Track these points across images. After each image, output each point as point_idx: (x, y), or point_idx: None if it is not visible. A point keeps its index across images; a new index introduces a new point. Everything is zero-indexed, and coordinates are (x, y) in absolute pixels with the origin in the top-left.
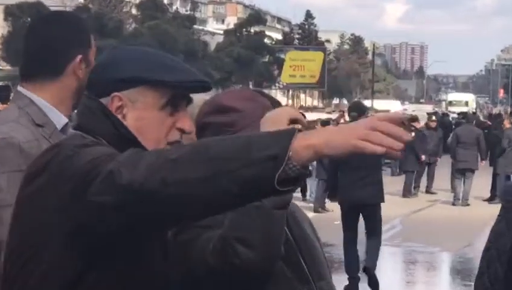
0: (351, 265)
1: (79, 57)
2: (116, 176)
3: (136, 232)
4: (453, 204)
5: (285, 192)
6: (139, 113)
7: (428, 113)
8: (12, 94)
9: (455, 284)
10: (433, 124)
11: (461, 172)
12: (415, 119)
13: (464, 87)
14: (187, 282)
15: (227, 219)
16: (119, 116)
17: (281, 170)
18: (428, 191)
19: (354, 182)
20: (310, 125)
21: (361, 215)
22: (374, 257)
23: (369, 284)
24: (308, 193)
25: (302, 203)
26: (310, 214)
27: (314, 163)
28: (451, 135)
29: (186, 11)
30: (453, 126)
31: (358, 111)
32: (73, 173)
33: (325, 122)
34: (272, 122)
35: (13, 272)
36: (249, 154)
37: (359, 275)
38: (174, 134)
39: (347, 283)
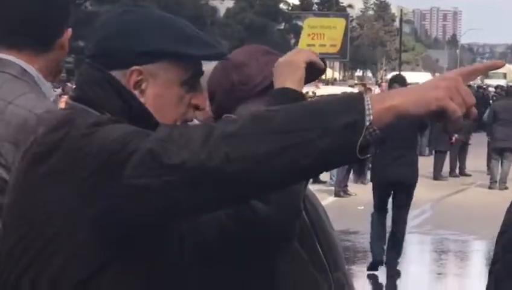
0: (376, 247)
1: (69, 30)
2: (162, 155)
3: (176, 217)
4: (490, 187)
5: (364, 159)
6: (160, 89)
7: None
8: None
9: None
10: None
11: (499, 152)
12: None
13: (502, 58)
14: (199, 247)
15: None
16: (137, 92)
17: (362, 137)
18: (462, 173)
19: (390, 162)
20: (323, 69)
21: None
22: (398, 246)
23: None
24: (328, 176)
25: (320, 186)
26: (330, 199)
27: None
28: (487, 110)
29: None
30: (491, 101)
31: (400, 84)
32: (96, 154)
33: None
34: (287, 66)
35: (22, 263)
36: (322, 122)
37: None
38: (191, 112)
39: (371, 273)
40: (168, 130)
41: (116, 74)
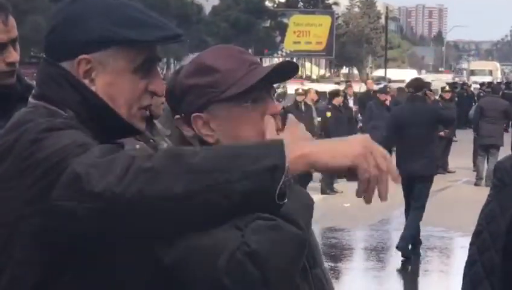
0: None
1: None
2: (85, 181)
3: (108, 243)
4: (476, 184)
5: (280, 206)
6: (110, 77)
7: (448, 84)
8: None
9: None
10: (448, 95)
11: (485, 149)
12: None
13: (488, 55)
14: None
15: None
16: (87, 81)
17: (282, 182)
18: (445, 169)
19: (410, 155)
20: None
21: None
22: (412, 231)
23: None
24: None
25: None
26: (317, 196)
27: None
28: (473, 107)
29: None
30: (475, 98)
31: (416, 88)
32: (38, 164)
33: (333, 94)
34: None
35: None
36: (242, 165)
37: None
38: (147, 98)
39: (357, 271)
40: (100, 150)
41: (65, 64)
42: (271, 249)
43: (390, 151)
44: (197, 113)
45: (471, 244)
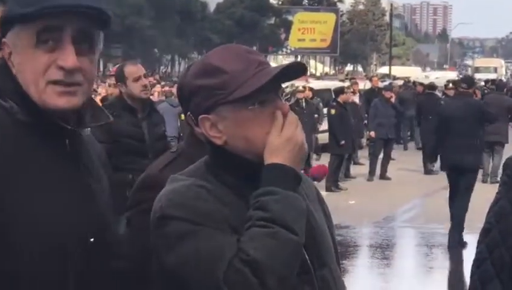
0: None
1: None
2: None
3: None
4: (483, 181)
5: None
6: (19, 56)
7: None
8: None
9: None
10: (450, 92)
11: (490, 146)
12: None
13: (492, 52)
14: None
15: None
16: (11, 65)
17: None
18: None
19: (458, 148)
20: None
21: None
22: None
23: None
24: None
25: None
26: (322, 194)
27: (327, 136)
28: None
29: None
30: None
31: (469, 85)
32: None
33: (338, 91)
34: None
35: None
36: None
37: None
38: (53, 72)
39: (362, 268)
40: None
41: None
42: (269, 257)
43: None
44: (205, 115)
45: (479, 242)
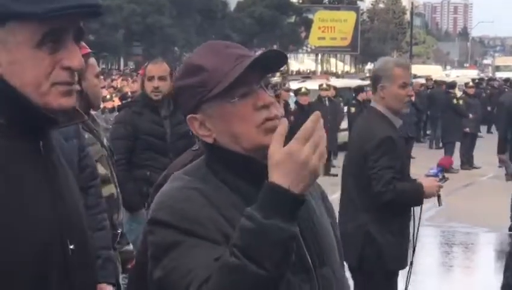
0: None
1: None
2: None
3: None
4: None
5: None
6: (12, 55)
7: (472, 80)
8: None
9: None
10: (472, 91)
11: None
12: None
13: None
14: None
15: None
16: None
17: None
18: (470, 165)
19: None
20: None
21: None
22: None
23: None
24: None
25: (330, 179)
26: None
27: (346, 135)
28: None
29: None
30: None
31: None
32: None
33: (358, 90)
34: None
35: None
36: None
37: None
38: (59, 74)
39: None
40: None
41: None
42: None
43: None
44: (192, 115)
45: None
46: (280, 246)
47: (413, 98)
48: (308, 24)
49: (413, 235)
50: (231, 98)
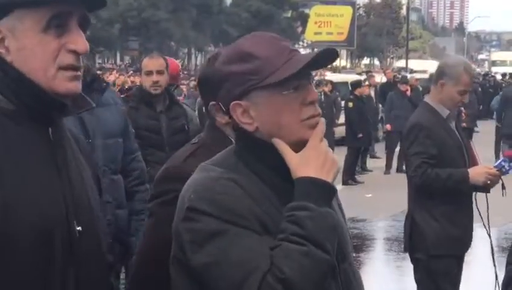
0: None
1: None
2: None
3: None
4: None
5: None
6: (20, 42)
7: None
8: None
9: (499, 263)
10: None
11: (509, 138)
12: None
13: (509, 45)
14: None
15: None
16: (3, 51)
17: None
18: None
19: None
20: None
21: None
22: None
23: None
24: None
25: None
26: (339, 187)
27: (343, 129)
28: (495, 98)
29: None
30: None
31: None
32: None
33: (355, 84)
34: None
35: None
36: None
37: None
38: (65, 57)
39: (378, 261)
40: None
41: None
42: (303, 277)
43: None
44: (237, 101)
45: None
46: (334, 231)
47: (408, 93)
48: (304, 19)
49: (487, 224)
50: (284, 90)
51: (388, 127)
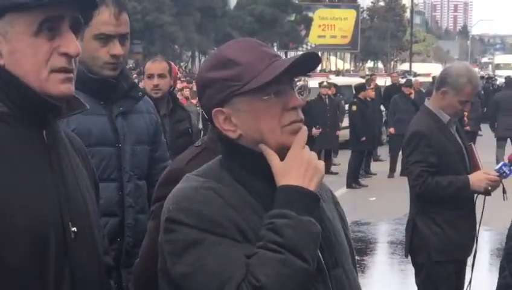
0: None
1: None
2: None
3: None
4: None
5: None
6: (12, 45)
7: None
8: None
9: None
10: None
11: (503, 141)
12: None
13: None
14: None
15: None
16: None
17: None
18: None
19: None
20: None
21: None
22: None
23: None
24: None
25: (332, 177)
26: (343, 190)
27: (347, 133)
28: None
29: None
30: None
31: None
32: None
33: (359, 88)
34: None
35: None
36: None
37: None
38: (57, 60)
39: (382, 264)
40: None
41: None
42: (278, 285)
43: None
44: (218, 108)
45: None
46: (315, 240)
47: (412, 96)
48: (308, 22)
49: (477, 228)
50: (265, 95)
51: (392, 130)
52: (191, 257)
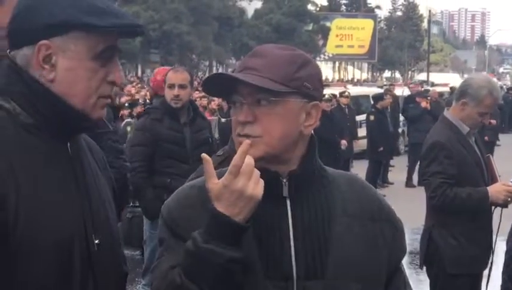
0: None
1: None
2: None
3: None
4: None
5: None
6: (70, 63)
7: None
8: None
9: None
10: None
11: None
12: None
13: None
14: None
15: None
16: (47, 67)
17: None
18: None
19: None
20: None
21: None
22: None
23: None
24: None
25: None
26: None
27: (365, 142)
28: None
29: None
30: None
31: None
32: None
33: (377, 98)
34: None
35: None
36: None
37: None
38: (106, 87)
39: None
40: None
41: (26, 50)
42: None
43: None
44: None
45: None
46: (215, 269)
47: (428, 106)
48: (325, 32)
49: (494, 240)
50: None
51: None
52: (159, 254)
